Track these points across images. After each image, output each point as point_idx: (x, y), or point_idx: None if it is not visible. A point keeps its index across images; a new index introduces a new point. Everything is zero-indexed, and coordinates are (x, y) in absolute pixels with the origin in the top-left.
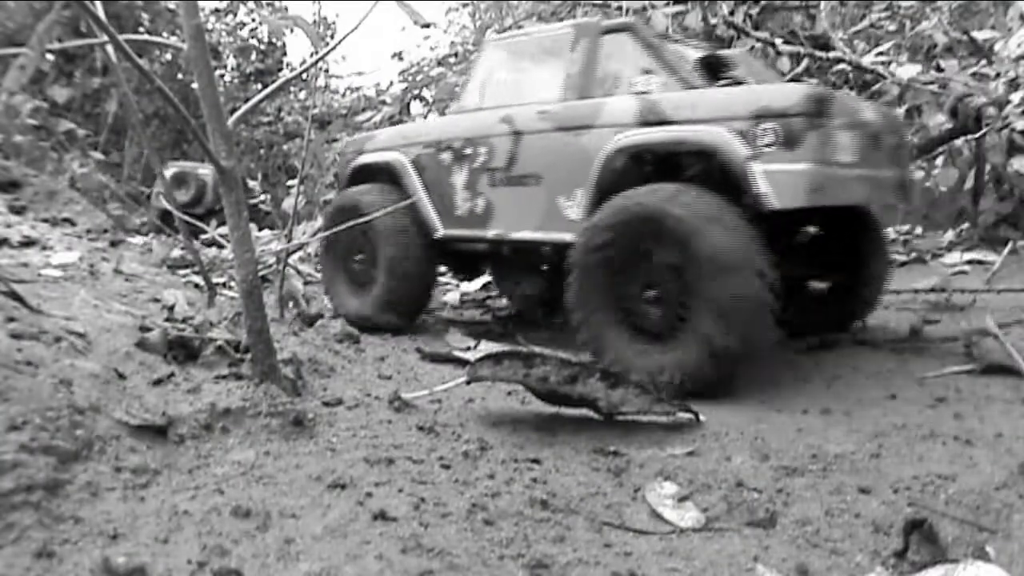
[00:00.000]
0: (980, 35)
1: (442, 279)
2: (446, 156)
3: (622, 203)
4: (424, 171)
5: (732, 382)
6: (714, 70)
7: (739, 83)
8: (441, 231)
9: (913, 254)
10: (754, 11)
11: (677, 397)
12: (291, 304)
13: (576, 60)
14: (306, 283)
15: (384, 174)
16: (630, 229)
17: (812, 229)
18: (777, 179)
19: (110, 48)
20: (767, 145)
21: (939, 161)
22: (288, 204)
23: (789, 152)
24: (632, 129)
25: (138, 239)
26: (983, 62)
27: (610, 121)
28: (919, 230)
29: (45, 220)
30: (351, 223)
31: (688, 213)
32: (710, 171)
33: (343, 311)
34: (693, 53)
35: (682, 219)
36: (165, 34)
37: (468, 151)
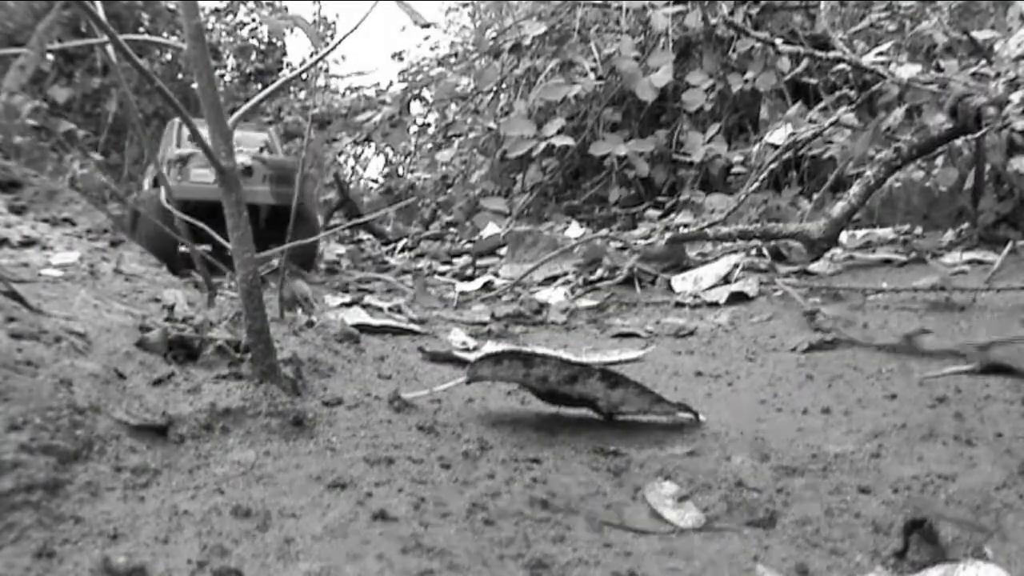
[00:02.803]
0: (980, 35)
1: (442, 279)
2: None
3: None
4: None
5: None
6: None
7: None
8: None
9: (913, 254)
10: (754, 11)
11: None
12: (297, 307)
13: (181, 133)
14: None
15: None
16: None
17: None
18: (171, 187)
19: (110, 48)
20: (173, 174)
21: (939, 161)
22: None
23: (177, 175)
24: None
25: None
26: (983, 62)
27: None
28: (919, 230)
29: (45, 220)
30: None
31: (176, 190)
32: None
33: None
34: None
35: (156, 196)
36: (165, 34)
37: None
